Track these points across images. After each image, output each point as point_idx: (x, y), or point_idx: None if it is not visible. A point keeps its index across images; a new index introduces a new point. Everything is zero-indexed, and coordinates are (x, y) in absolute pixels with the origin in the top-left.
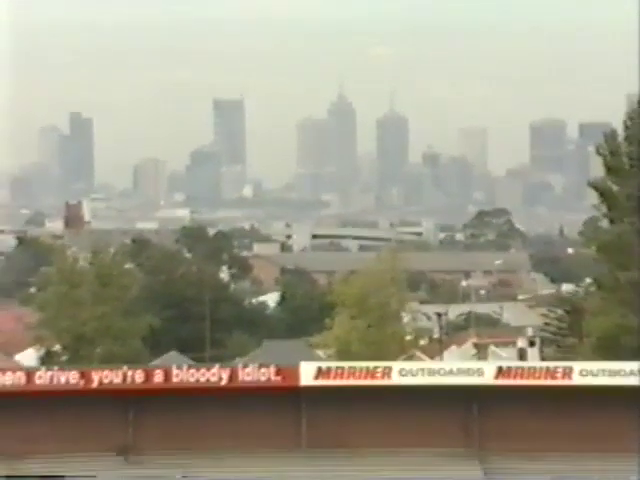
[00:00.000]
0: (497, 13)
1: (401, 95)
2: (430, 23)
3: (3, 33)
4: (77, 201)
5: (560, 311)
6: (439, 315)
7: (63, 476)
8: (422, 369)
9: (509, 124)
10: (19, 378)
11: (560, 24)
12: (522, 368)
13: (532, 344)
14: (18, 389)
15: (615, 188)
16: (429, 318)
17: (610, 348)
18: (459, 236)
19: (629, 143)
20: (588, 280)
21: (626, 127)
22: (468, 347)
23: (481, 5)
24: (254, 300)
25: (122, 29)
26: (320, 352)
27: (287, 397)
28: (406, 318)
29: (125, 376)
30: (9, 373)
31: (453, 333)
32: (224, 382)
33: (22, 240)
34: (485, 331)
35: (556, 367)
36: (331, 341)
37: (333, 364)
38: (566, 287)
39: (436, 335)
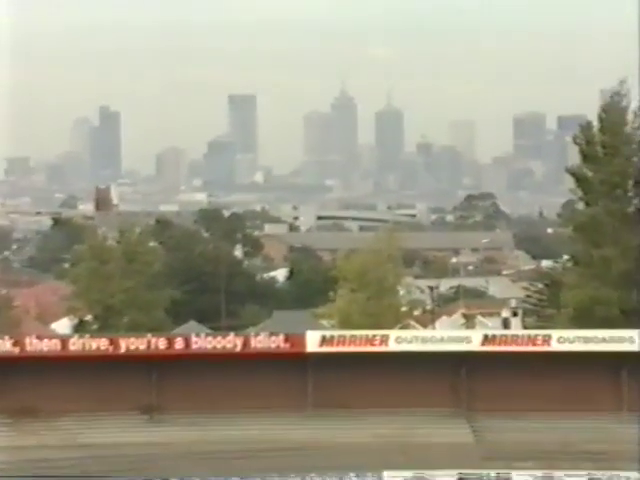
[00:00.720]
0: (484, 14)
1: (397, 91)
2: (422, 25)
3: (40, 35)
4: (106, 186)
5: (540, 285)
6: (431, 288)
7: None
8: (416, 337)
9: (495, 117)
10: (55, 345)
11: (543, 26)
12: (506, 336)
13: (515, 314)
14: (54, 354)
15: (590, 174)
16: (422, 291)
17: (585, 318)
18: (449, 217)
19: (602, 133)
20: (565, 257)
21: (600, 119)
22: (457, 317)
23: (470, 6)
24: (265, 275)
25: (146, 30)
26: (324, 322)
27: (295, 362)
28: (401, 291)
29: (149, 343)
30: (46, 340)
31: (444, 304)
32: (238, 349)
33: (57, 221)
34: (473, 303)
35: (536, 335)
36: (334, 312)
37: (336, 332)
38: (545, 263)
39: (428, 306)
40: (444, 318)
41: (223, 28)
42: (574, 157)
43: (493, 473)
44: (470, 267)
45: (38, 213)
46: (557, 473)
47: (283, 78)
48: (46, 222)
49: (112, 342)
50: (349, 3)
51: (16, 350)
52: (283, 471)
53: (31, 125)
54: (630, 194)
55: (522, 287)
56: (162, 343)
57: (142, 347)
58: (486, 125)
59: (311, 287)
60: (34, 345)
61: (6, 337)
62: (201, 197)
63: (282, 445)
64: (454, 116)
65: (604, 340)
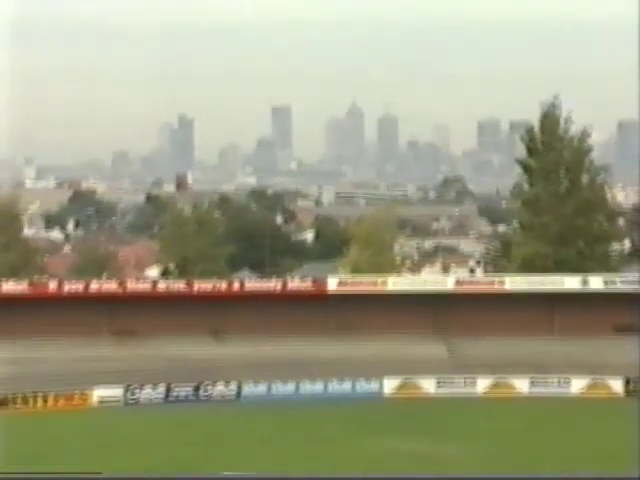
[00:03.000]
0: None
1: (392, 103)
2: (417, 48)
3: (124, 50)
4: (183, 172)
5: (496, 243)
6: (418, 246)
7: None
8: (407, 281)
9: (463, 121)
10: (147, 285)
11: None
12: (472, 280)
13: (478, 264)
14: (147, 292)
15: (533, 163)
16: (411, 248)
17: (528, 267)
18: (431, 194)
19: (542, 133)
20: (515, 223)
21: (540, 123)
22: (437, 267)
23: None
24: (297, 237)
25: (216, 57)
26: (341, 270)
27: (319, 299)
28: (396, 248)
29: (214, 285)
30: (141, 282)
31: (427, 258)
32: (278, 289)
33: (149, 197)
34: (448, 256)
35: (493, 279)
36: (348, 263)
37: (349, 278)
38: (501, 227)
39: (416, 259)
40: (427, 267)
41: (266, 55)
42: (521, 151)
43: (462, 378)
44: (446, 230)
45: (135, 191)
46: (519, 381)
47: (310, 93)
48: (141, 198)
49: (188, 284)
50: (358, 35)
51: (120, 289)
52: (310, 377)
53: (129, 127)
54: (561, 178)
55: (483, 245)
56: (224, 285)
57: (209, 288)
58: (458, 127)
59: (331, 246)
60: (133, 286)
61: (113, 280)
62: (252, 180)
63: (310, 358)
64: (435, 121)
65: (542, 283)
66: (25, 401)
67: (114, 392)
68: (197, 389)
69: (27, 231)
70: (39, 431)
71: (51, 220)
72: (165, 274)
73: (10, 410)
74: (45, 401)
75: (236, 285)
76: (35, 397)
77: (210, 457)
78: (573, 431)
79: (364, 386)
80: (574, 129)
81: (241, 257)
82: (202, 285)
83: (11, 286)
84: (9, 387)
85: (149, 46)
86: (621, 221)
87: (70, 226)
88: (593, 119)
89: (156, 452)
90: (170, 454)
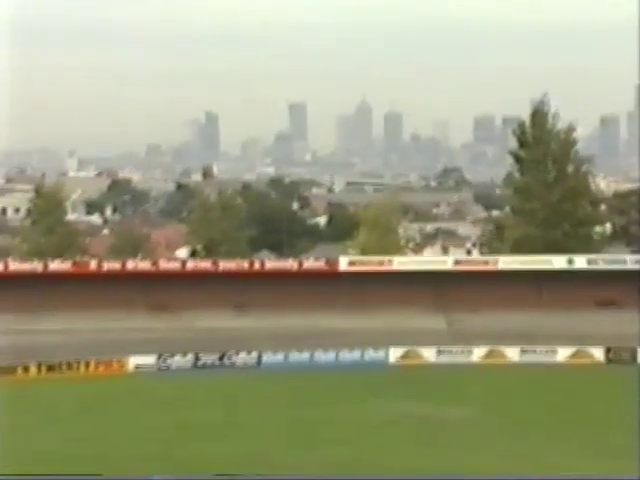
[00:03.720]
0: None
1: (398, 100)
2: (422, 50)
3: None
4: (209, 163)
5: (490, 227)
6: (420, 230)
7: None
8: (410, 261)
9: (462, 118)
10: (177, 265)
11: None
12: (468, 260)
13: (474, 246)
14: (177, 271)
15: (523, 155)
16: (414, 231)
17: (519, 248)
18: (432, 183)
19: (532, 128)
20: (507, 208)
21: (531, 119)
22: (437, 248)
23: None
24: (312, 221)
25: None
26: (351, 251)
27: (331, 277)
28: (401, 231)
29: (237, 264)
30: (172, 261)
31: (428, 240)
32: (295, 268)
33: (179, 185)
34: (447, 239)
35: (488, 259)
36: (357, 245)
37: (358, 258)
38: (494, 213)
39: (418, 241)
40: (428, 248)
41: (284, 57)
42: (513, 144)
43: (459, 348)
44: (445, 215)
45: (165, 180)
46: (511, 351)
47: (323, 92)
48: (171, 186)
49: (213, 263)
50: (366, 38)
51: (153, 268)
52: (323, 346)
53: (161, 123)
54: (549, 168)
55: (479, 229)
56: (246, 264)
57: (233, 267)
58: (456, 122)
59: (342, 229)
60: (164, 265)
61: (147, 260)
62: (270, 170)
63: (323, 330)
64: (435, 116)
65: (531, 263)
66: (70, 367)
67: (148, 360)
68: (222, 357)
69: (70, 216)
70: (83, 394)
71: (91, 206)
72: (193, 254)
73: (57, 375)
74: (87, 367)
75: (257, 264)
76: (78, 364)
77: (232, 417)
78: (559, 394)
79: (371, 355)
80: (561, 124)
81: (261, 239)
82: (226, 264)
83: (56, 265)
84: (57, 355)
85: (179, 48)
86: (603, 207)
87: (108, 211)
88: (578, 115)
89: (184, 412)
90: (197, 414)
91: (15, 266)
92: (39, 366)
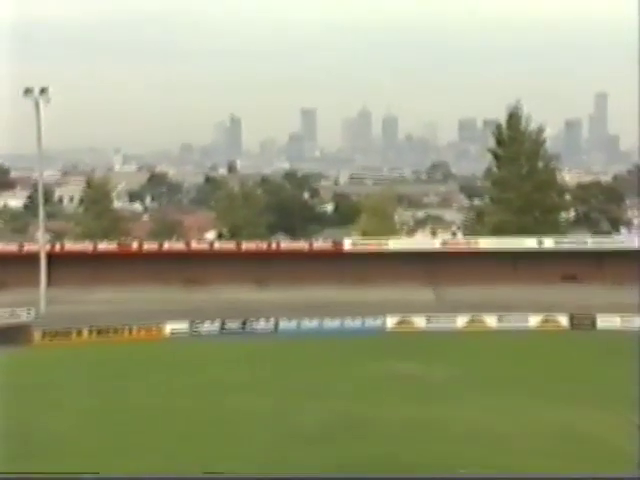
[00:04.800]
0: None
1: (393, 106)
2: (418, 59)
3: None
4: (233, 159)
5: (472, 213)
6: (412, 216)
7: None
8: (404, 242)
9: (448, 120)
10: (206, 245)
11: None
12: (454, 241)
13: (458, 229)
14: (206, 251)
15: (500, 152)
16: (407, 217)
17: (497, 231)
18: (423, 176)
19: (508, 129)
20: (487, 198)
21: (507, 121)
22: (427, 231)
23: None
24: (320, 208)
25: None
26: (354, 234)
27: (337, 257)
28: (396, 217)
29: (257, 245)
30: (202, 243)
31: (419, 225)
32: (306, 249)
33: (207, 178)
34: (435, 223)
35: (470, 241)
36: (359, 229)
37: (360, 239)
38: (476, 201)
39: (411, 225)
40: (419, 232)
41: (297, 68)
42: (492, 143)
43: (445, 316)
44: (434, 202)
45: (196, 174)
46: (489, 318)
47: (330, 99)
48: (201, 179)
49: (237, 244)
50: (370, 55)
51: (185, 248)
52: (330, 315)
53: (192, 125)
54: (522, 163)
55: (463, 215)
56: (264, 245)
57: (253, 247)
58: (443, 124)
59: (346, 215)
60: (195, 246)
61: (180, 241)
62: (285, 165)
63: (330, 301)
64: (425, 119)
65: (507, 243)
66: (116, 332)
67: (181, 326)
68: (244, 324)
69: (115, 204)
70: (126, 355)
71: (133, 196)
72: (220, 237)
73: (105, 338)
74: (130, 332)
75: (274, 245)
76: (123, 329)
77: (253, 375)
78: (531, 355)
79: (371, 322)
80: (532, 126)
81: (277, 224)
82: (247, 245)
83: (104, 246)
84: (105, 321)
85: (209, 62)
86: (567, 196)
87: (147, 200)
88: (546, 117)
89: (212, 371)
90: (223, 372)
91: (70, 246)
92: (90, 331)
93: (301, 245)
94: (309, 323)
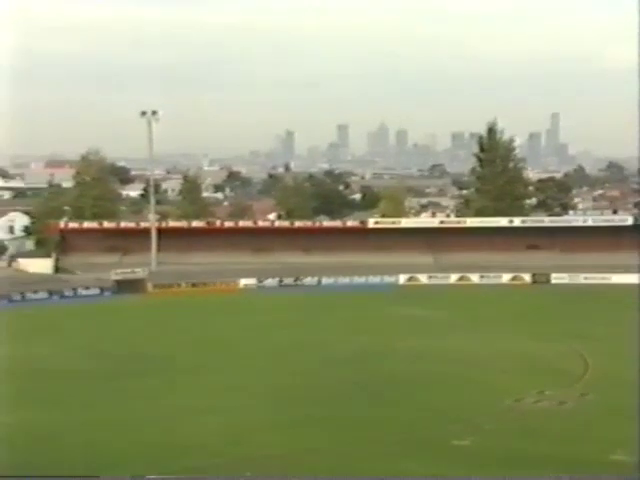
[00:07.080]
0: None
1: (405, 122)
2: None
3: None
4: (288, 161)
5: (462, 200)
6: (418, 202)
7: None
8: (412, 221)
9: (443, 132)
10: (269, 223)
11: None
12: (448, 220)
13: (452, 212)
14: (268, 227)
15: (482, 156)
16: (414, 203)
17: (480, 214)
18: (426, 174)
19: (488, 139)
20: (472, 189)
21: (487, 133)
22: (429, 214)
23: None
24: (351, 197)
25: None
26: (375, 216)
27: (363, 232)
28: (406, 203)
29: (305, 224)
30: (266, 222)
31: (422, 209)
32: (341, 226)
33: (270, 175)
34: (435, 208)
35: (460, 220)
36: (379, 212)
37: (380, 219)
38: (464, 192)
39: (417, 209)
40: (423, 214)
41: (334, 87)
42: (476, 149)
43: (441, 275)
44: (434, 193)
45: (262, 172)
46: (473, 276)
47: (357, 116)
48: (265, 176)
49: (291, 223)
50: (389, 83)
51: (254, 225)
52: (358, 274)
53: (259, 137)
54: (498, 164)
55: (455, 202)
56: (310, 224)
57: (302, 225)
58: (440, 135)
59: (370, 202)
60: (261, 223)
61: (250, 221)
62: (326, 166)
63: (358, 264)
64: (427, 131)
65: (487, 222)
66: (205, 285)
67: (251, 281)
68: (296, 280)
69: (204, 194)
70: (212, 301)
71: (216, 188)
72: (279, 217)
73: (197, 290)
74: (214, 285)
75: (317, 224)
76: (210, 283)
77: (304, 318)
78: (504, 303)
79: (388, 279)
80: (505, 137)
81: (320, 208)
82: (298, 224)
83: (196, 223)
84: (197, 277)
85: (271, 90)
86: (530, 188)
87: (227, 191)
88: (515, 131)
89: (274, 314)
90: (282, 315)
91: (172, 224)
92: (187, 284)
93: (337, 223)
94: (342, 280)
